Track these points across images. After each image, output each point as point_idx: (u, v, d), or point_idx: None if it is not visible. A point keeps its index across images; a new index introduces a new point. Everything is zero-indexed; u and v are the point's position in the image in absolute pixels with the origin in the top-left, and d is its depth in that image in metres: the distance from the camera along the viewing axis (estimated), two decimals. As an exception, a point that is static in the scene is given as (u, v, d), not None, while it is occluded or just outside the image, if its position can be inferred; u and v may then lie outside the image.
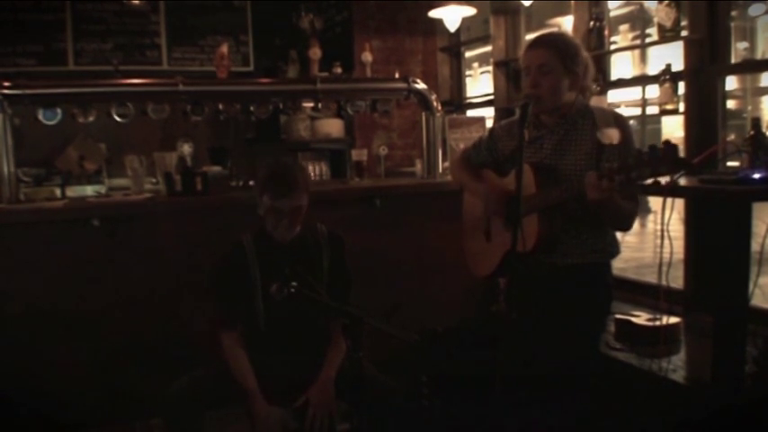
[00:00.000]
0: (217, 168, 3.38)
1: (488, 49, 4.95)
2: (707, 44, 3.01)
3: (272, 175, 2.32)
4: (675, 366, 2.48)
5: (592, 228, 2.22)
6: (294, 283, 2.04)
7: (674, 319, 2.74)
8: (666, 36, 3.13)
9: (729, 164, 2.66)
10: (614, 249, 2.31)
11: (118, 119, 3.45)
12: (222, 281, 2.44)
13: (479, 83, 7.49)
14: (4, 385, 2.69)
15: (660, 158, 1.78)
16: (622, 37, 4.09)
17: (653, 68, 3.58)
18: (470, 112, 5.34)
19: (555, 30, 3.08)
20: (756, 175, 2.17)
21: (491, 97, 4.85)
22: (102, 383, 2.87)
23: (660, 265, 2.18)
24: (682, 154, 1.83)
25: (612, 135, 2.11)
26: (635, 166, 1.83)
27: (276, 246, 2.38)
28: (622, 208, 2.10)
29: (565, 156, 2.23)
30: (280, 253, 2.36)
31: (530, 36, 4.75)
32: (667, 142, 1.78)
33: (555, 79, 2.19)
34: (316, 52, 4.28)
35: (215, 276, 2.48)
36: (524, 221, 2.10)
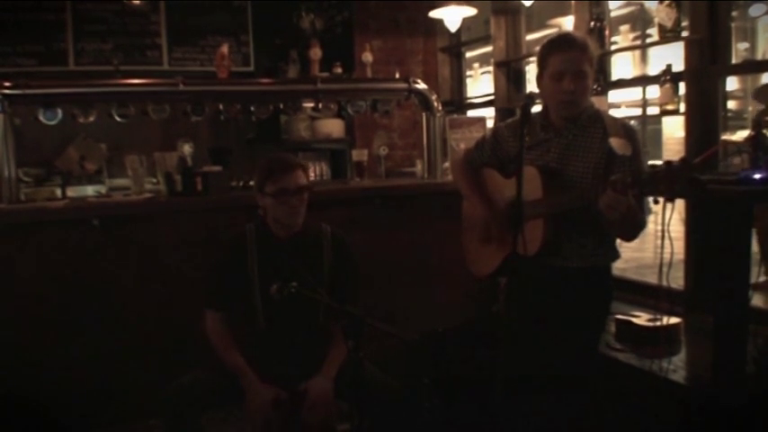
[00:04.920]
0: (217, 168, 3.37)
1: (489, 49, 4.95)
2: (707, 45, 3.01)
3: (269, 162, 2.39)
4: (676, 367, 2.48)
5: (593, 233, 2.21)
6: (294, 284, 2.05)
7: (674, 320, 2.74)
8: (667, 36, 3.13)
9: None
10: (614, 254, 2.31)
11: (118, 119, 3.46)
12: (218, 264, 2.46)
13: (480, 83, 7.50)
14: (3, 385, 2.69)
15: (675, 176, 1.76)
16: (623, 37, 4.10)
17: (653, 69, 3.59)
18: (471, 113, 5.34)
19: (570, 30, 3.06)
20: (757, 176, 2.17)
21: (491, 98, 4.85)
22: (101, 383, 2.87)
23: (660, 265, 2.18)
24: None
25: (625, 146, 2.09)
26: (648, 182, 1.82)
27: (276, 243, 2.39)
28: (637, 220, 2.08)
29: (571, 161, 2.21)
30: (279, 250, 2.37)
31: (531, 36, 4.76)
32: (684, 160, 1.76)
33: (588, 84, 2.18)
34: (316, 52, 4.28)
35: (213, 259, 2.49)
36: (530, 225, 2.09)
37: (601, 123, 2.22)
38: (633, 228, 2.13)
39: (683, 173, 1.75)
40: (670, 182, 1.76)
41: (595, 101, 3.35)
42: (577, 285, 2.22)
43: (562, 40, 2.20)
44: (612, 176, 1.94)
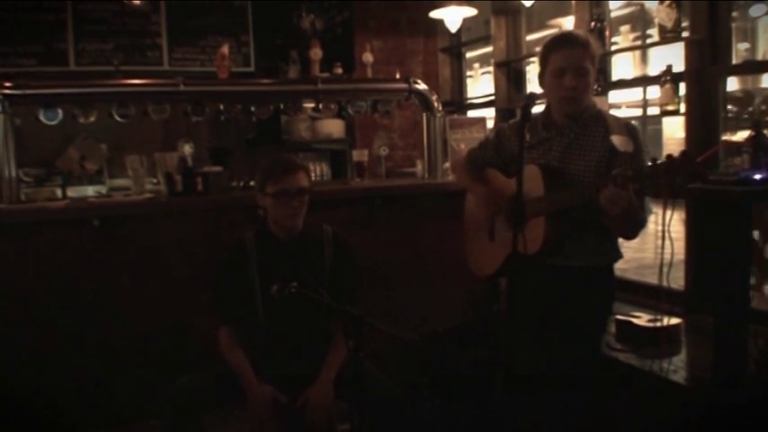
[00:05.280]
0: (217, 169, 3.37)
1: (489, 49, 4.95)
2: (708, 45, 3.01)
3: (271, 163, 2.40)
4: (676, 367, 2.47)
5: (594, 232, 2.20)
6: (294, 284, 2.05)
7: (674, 320, 2.74)
8: (667, 37, 3.13)
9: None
10: (616, 254, 2.31)
11: (119, 119, 3.46)
12: (221, 277, 2.46)
13: (480, 83, 7.49)
14: (3, 386, 2.69)
15: (676, 169, 1.75)
16: (623, 38, 4.09)
17: (654, 69, 3.58)
18: (471, 113, 5.34)
19: (572, 29, 3.05)
20: (757, 176, 2.17)
21: (492, 98, 4.85)
22: (101, 384, 2.87)
23: (661, 265, 2.17)
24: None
25: (626, 143, 2.09)
26: (650, 176, 1.82)
27: (277, 244, 2.39)
28: (638, 217, 2.08)
29: (573, 159, 2.21)
30: (280, 251, 2.37)
31: (531, 37, 4.76)
32: (685, 153, 1.76)
33: (590, 81, 2.18)
34: (316, 53, 4.28)
35: (215, 272, 2.49)
36: (532, 224, 2.09)
37: (603, 122, 2.22)
38: (634, 225, 2.13)
39: (684, 166, 1.74)
40: (671, 175, 1.76)
41: (596, 101, 3.36)
42: (579, 285, 2.21)
43: (564, 38, 2.21)
44: (614, 171, 1.94)
